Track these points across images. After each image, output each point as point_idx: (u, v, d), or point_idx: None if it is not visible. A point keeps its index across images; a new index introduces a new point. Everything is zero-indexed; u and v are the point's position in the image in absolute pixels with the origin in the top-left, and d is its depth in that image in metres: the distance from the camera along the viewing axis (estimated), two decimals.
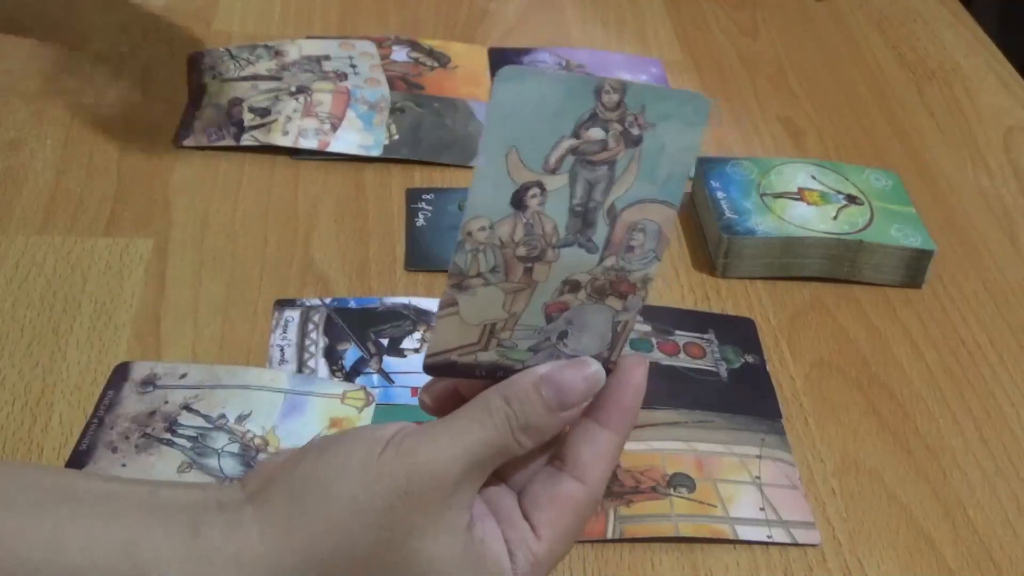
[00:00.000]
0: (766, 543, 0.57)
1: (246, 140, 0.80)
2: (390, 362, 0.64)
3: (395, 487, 0.42)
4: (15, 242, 0.70)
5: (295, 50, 0.90)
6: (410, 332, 0.66)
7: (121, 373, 0.62)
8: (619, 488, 0.58)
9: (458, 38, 0.95)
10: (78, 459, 0.57)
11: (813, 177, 0.77)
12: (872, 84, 0.96)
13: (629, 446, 0.59)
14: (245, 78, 0.86)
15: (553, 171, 0.42)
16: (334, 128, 0.81)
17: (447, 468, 0.42)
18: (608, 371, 0.45)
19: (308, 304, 0.68)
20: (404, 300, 0.68)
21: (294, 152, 0.80)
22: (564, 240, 0.43)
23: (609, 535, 0.56)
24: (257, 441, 0.59)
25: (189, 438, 0.58)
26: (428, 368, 0.45)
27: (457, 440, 0.43)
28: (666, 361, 0.66)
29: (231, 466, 0.57)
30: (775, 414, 0.64)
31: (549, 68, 0.46)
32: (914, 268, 0.73)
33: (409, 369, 0.64)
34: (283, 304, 0.68)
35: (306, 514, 0.42)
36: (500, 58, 0.93)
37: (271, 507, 0.43)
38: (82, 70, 0.87)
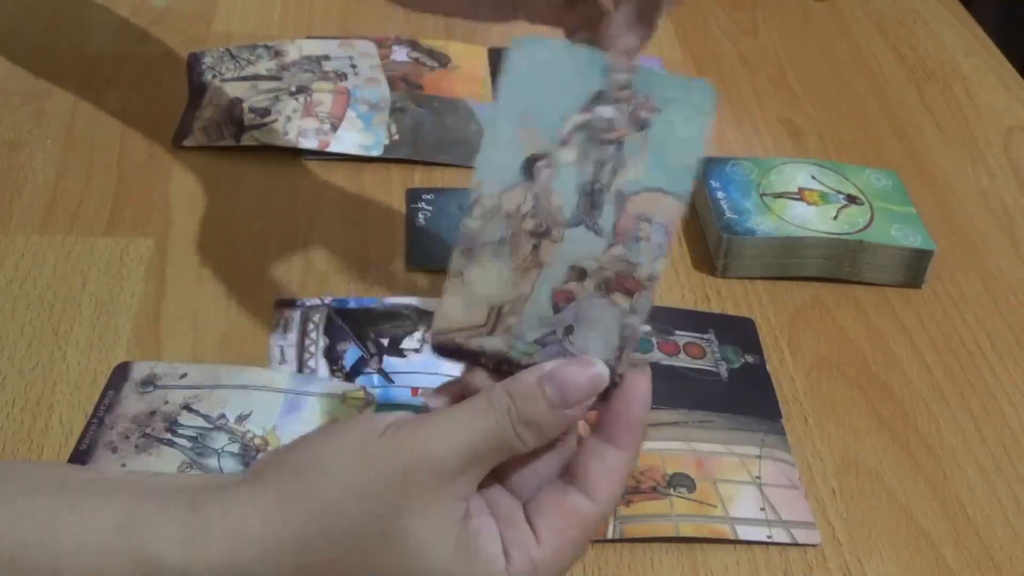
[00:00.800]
0: (766, 543, 0.57)
1: (246, 140, 0.80)
2: (390, 362, 0.64)
3: (392, 469, 0.42)
4: (15, 242, 0.70)
5: (295, 50, 0.90)
6: (410, 332, 0.66)
7: (121, 373, 0.62)
8: None
9: (458, 38, 0.95)
10: (78, 459, 0.57)
11: (813, 177, 0.77)
12: (872, 84, 0.96)
13: None
14: (245, 78, 0.86)
15: (563, 143, 0.42)
16: (334, 128, 0.81)
17: (446, 455, 0.43)
18: (614, 384, 0.45)
19: (308, 304, 0.68)
20: (404, 300, 0.68)
21: (294, 152, 0.80)
22: (571, 219, 0.43)
23: (609, 535, 0.56)
24: (257, 441, 0.59)
25: (189, 438, 0.58)
26: (435, 347, 0.45)
27: (457, 429, 0.43)
28: (666, 361, 0.66)
29: (231, 466, 0.57)
30: (775, 414, 0.64)
31: (562, 40, 0.46)
32: (914, 268, 0.73)
33: (409, 369, 0.64)
34: (283, 304, 0.68)
35: (303, 492, 0.43)
36: (500, 58, 0.93)
37: (269, 485, 0.43)
38: (82, 70, 0.87)
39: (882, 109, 0.93)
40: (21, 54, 0.88)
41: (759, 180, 0.77)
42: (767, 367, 0.67)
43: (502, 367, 0.45)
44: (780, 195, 0.75)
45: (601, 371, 0.45)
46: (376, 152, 0.80)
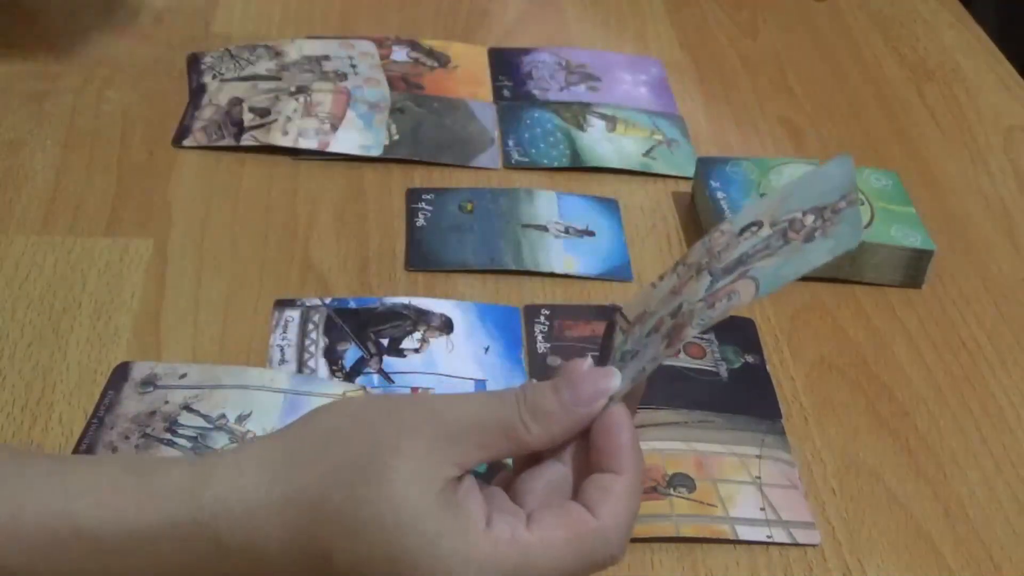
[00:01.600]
0: (766, 543, 0.57)
1: (246, 140, 0.80)
2: (390, 362, 0.64)
3: (391, 414, 0.44)
4: (15, 242, 0.70)
5: (295, 50, 0.90)
6: (410, 332, 0.66)
7: (121, 373, 0.62)
8: None
9: (458, 38, 0.95)
10: None
11: None
12: (872, 84, 0.96)
13: None
14: (245, 78, 0.86)
15: (773, 224, 0.48)
16: (334, 128, 0.81)
17: (448, 417, 0.44)
18: (611, 399, 0.46)
19: (308, 304, 0.68)
20: (404, 300, 0.68)
21: (294, 152, 0.80)
22: (714, 270, 0.48)
23: None
24: (258, 438, 0.59)
25: (189, 438, 0.58)
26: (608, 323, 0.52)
27: (466, 403, 0.45)
28: (666, 361, 0.66)
29: None
30: (775, 414, 0.64)
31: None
32: (914, 268, 0.73)
33: (409, 369, 0.64)
34: (283, 304, 0.68)
35: (305, 422, 0.46)
36: (500, 58, 0.93)
37: (274, 434, 0.47)
38: (82, 70, 0.87)
39: (882, 109, 0.93)
40: (21, 54, 0.88)
41: (759, 180, 0.77)
42: (767, 367, 0.67)
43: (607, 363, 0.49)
44: None
45: (614, 381, 0.46)
46: (376, 152, 0.80)
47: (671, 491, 0.58)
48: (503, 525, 0.43)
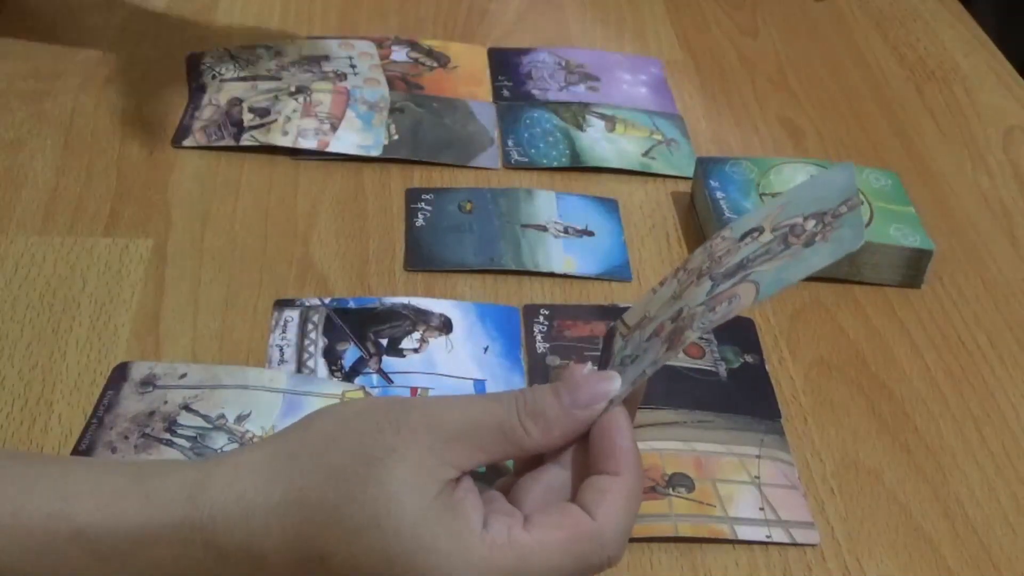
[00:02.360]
0: (765, 543, 0.57)
1: (246, 140, 0.80)
2: (389, 362, 0.64)
3: (392, 415, 0.44)
4: (15, 242, 0.70)
5: (295, 50, 0.90)
6: (409, 332, 0.66)
7: (120, 373, 0.62)
8: None
9: (458, 38, 0.95)
10: None
11: (812, 177, 0.77)
12: (872, 84, 0.96)
13: None
14: (245, 78, 0.86)
15: (774, 230, 0.48)
16: (334, 128, 0.81)
17: (445, 417, 0.44)
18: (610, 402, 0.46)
19: (307, 304, 0.68)
20: (403, 300, 0.68)
21: (294, 152, 0.80)
22: (715, 274, 0.48)
23: None
24: (256, 441, 0.59)
25: (189, 438, 0.58)
26: (608, 327, 0.52)
27: (464, 405, 0.45)
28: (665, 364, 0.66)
29: None
30: (774, 414, 0.64)
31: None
32: (913, 268, 0.73)
33: (408, 369, 0.64)
34: (282, 304, 0.68)
35: (304, 427, 0.46)
36: (500, 58, 0.93)
37: (274, 437, 0.47)
38: (82, 70, 0.87)
39: (882, 109, 0.93)
40: (21, 54, 0.88)
41: (759, 180, 0.77)
42: (766, 367, 0.67)
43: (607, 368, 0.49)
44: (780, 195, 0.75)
45: (614, 384, 0.46)
46: (375, 152, 0.80)
47: (670, 491, 0.58)
48: (500, 526, 0.43)
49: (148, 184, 0.76)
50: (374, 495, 0.42)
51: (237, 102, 0.83)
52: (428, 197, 0.77)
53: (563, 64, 0.93)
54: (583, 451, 0.46)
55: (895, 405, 0.66)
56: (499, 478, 0.49)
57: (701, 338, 0.68)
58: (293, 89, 0.84)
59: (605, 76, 0.92)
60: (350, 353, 0.65)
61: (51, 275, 0.68)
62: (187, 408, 0.60)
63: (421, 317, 0.67)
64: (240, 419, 0.60)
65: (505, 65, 0.92)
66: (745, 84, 0.94)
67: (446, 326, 0.67)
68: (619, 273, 0.73)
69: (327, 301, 0.68)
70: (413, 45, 0.93)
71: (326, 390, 0.62)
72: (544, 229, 0.75)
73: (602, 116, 0.86)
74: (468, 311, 0.68)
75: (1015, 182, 0.85)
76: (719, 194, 0.75)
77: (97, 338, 0.64)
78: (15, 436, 0.58)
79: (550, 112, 0.86)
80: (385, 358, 0.64)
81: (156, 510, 0.43)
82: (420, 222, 0.75)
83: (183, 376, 0.62)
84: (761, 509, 0.58)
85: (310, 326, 0.66)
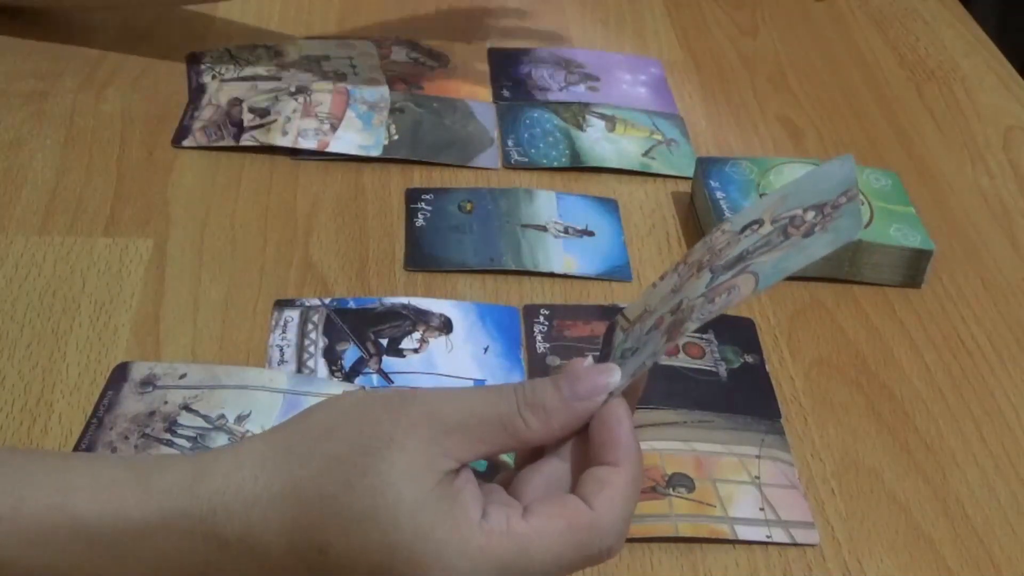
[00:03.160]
0: (765, 543, 0.57)
1: (246, 140, 0.80)
2: (389, 362, 0.64)
3: (391, 406, 0.44)
4: (15, 242, 0.70)
5: (295, 50, 0.90)
6: (409, 332, 0.66)
7: (120, 373, 0.62)
8: None
9: (458, 38, 0.95)
10: None
11: None
12: (872, 84, 0.96)
13: None
14: (245, 78, 0.86)
15: (773, 221, 0.48)
16: (333, 128, 0.81)
17: (445, 409, 0.44)
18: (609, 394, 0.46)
19: (307, 304, 0.68)
20: (403, 300, 0.68)
21: (294, 152, 0.80)
22: (714, 267, 0.47)
23: None
24: (256, 434, 0.59)
25: (189, 438, 0.58)
26: (609, 323, 0.52)
27: (463, 396, 0.45)
28: (665, 361, 0.66)
29: None
30: (774, 414, 0.64)
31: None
32: (913, 268, 0.73)
33: (408, 369, 0.64)
34: (282, 304, 0.68)
35: (303, 419, 0.46)
36: (500, 58, 0.93)
37: (273, 430, 0.47)
38: (82, 70, 0.87)
39: (881, 109, 0.93)
40: (20, 54, 0.88)
41: (759, 180, 0.77)
42: (766, 367, 0.67)
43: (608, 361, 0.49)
44: None
45: (614, 376, 0.46)
46: (375, 152, 0.80)
47: (670, 491, 0.58)
48: (498, 516, 0.43)
49: (148, 184, 0.76)
50: (373, 485, 0.42)
51: (237, 102, 0.83)
52: (428, 197, 0.77)
53: (563, 64, 0.93)
54: (583, 443, 0.46)
55: (895, 405, 0.66)
56: (499, 473, 0.49)
57: (701, 337, 0.68)
58: (293, 89, 0.85)
59: (605, 76, 0.92)
60: (350, 353, 0.65)
61: (51, 275, 0.68)
62: (187, 408, 0.60)
63: (421, 317, 0.67)
64: (240, 419, 0.60)
65: (505, 65, 0.92)
66: (745, 84, 0.94)
67: (446, 326, 0.67)
68: (619, 273, 0.73)
69: (327, 301, 0.68)
70: (413, 45, 0.93)
71: (326, 390, 0.62)
72: (544, 229, 0.75)
73: (602, 116, 0.86)
74: (468, 311, 0.68)
75: (1015, 182, 0.85)
76: (719, 194, 0.75)
77: (97, 338, 0.64)
78: (15, 436, 0.58)
79: (550, 112, 0.86)
80: (385, 358, 0.64)
81: (156, 502, 0.43)
82: (420, 222, 0.75)
83: (183, 376, 0.62)
84: (761, 509, 0.58)
85: (310, 326, 0.66)
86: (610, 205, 0.78)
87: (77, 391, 0.61)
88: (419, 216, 0.75)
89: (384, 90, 0.86)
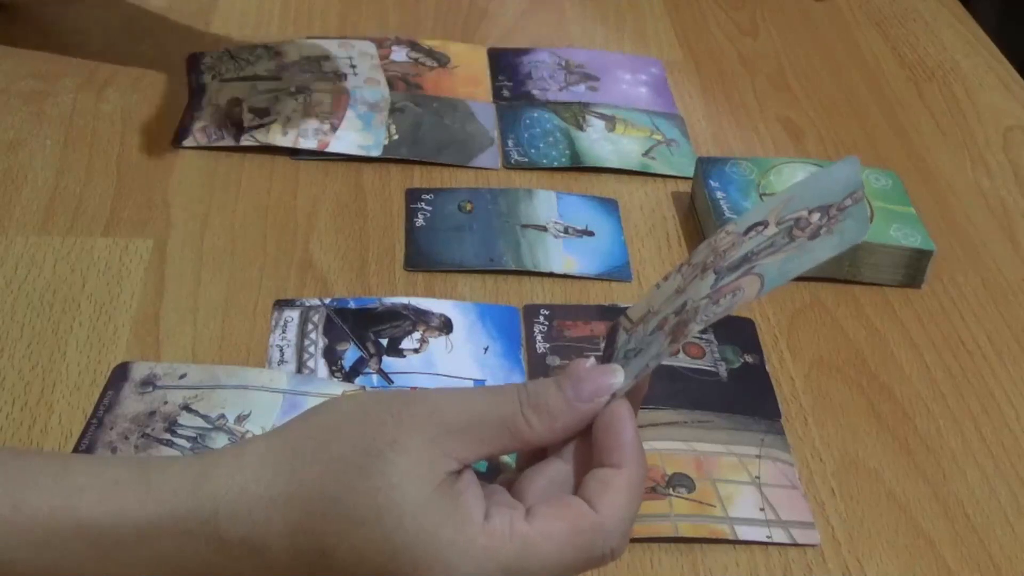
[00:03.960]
0: (765, 543, 0.57)
1: (246, 140, 0.80)
2: (389, 362, 0.64)
3: (394, 406, 0.44)
4: (15, 242, 0.70)
5: (295, 50, 0.90)
6: (409, 332, 0.66)
7: (120, 373, 0.62)
8: None
9: (458, 38, 0.95)
10: None
11: None
12: (872, 84, 0.96)
13: None
14: (245, 78, 0.86)
15: (779, 223, 0.48)
16: (334, 128, 0.81)
17: (448, 410, 0.44)
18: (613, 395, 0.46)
19: (307, 304, 0.68)
20: (403, 300, 0.68)
21: (294, 152, 0.80)
22: (718, 268, 0.47)
23: None
24: (259, 435, 0.59)
25: (189, 438, 0.58)
26: (611, 324, 0.52)
27: (466, 398, 0.45)
28: (665, 361, 0.66)
29: None
30: (774, 414, 0.64)
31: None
32: (913, 268, 0.73)
33: (408, 369, 0.64)
34: (282, 304, 0.68)
35: (305, 419, 0.46)
36: (500, 58, 0.93)
37: (277, 430, 0.46)
38: (82, 70, 0.87)
39: (881, 109, 0.93)
40: (20, 54, 0.88)
41: (759, 180, 0.77)
42: (766, 367, 0.67)
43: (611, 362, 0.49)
44: None
45: (617, 377, 0.46)
46: (375, 152, 0.80)
47: (670, 491, 0.58)
48: (501, 518, 0.43)
49: (148, 184, 0.76)
50: (375, 486, 0.42)
51: (237, 102, 0.83)
52: (428, 197, 0.77)
53: (563, 64, 0.93)
54: (586, 444, 0.46)
55: (895, 405, 0.66)
56: (501, 474, 0.49)
57: (701, 337, 0.68)
58: (293, 89, 0.84)
59: (605, 76, 0.92)
60: (350, 353, 0.65)
61: (51, 275, 0.68)
62: (187, 408, 0.60)
63: (421, 317, 0.67)
64: (240, 419, 0.60)
65: (505, 65, 0.92)
66: (745, 84, 0.94)
67: (446, 326, 0.67)
68: (619, 273, 0.73)
69: (327, 301, 0.68)
70: (413, 45, 0.93)
71: (326, 390, 0.62)
72: (544, 229, 0.75)
73: (602, 116, 0.86)
74: (468, 311, 0.68)
75: (1015, 182, 0.85)
76: (719, 194, 0.75)
77: (97, 338, 0.64)
78: (15, 436, 0.58)
79: (550, 112, 0.86)
80: (385, 358, 0.64)
81: (158, 503, 0.43)
82: (420, 222, 0.75)
83: (183, 376, 0.62)
84: (761, 509, 0.58)
85: (310, 326, 0.66)
86: (610, 205, 0.78)
87: (77, 391, 0.61)
88: (419, 216, 0.75)
89: (384, 90, 0.86)
